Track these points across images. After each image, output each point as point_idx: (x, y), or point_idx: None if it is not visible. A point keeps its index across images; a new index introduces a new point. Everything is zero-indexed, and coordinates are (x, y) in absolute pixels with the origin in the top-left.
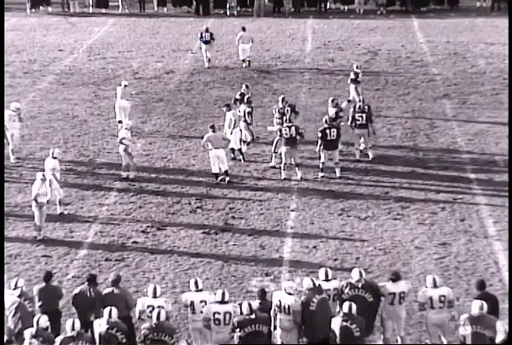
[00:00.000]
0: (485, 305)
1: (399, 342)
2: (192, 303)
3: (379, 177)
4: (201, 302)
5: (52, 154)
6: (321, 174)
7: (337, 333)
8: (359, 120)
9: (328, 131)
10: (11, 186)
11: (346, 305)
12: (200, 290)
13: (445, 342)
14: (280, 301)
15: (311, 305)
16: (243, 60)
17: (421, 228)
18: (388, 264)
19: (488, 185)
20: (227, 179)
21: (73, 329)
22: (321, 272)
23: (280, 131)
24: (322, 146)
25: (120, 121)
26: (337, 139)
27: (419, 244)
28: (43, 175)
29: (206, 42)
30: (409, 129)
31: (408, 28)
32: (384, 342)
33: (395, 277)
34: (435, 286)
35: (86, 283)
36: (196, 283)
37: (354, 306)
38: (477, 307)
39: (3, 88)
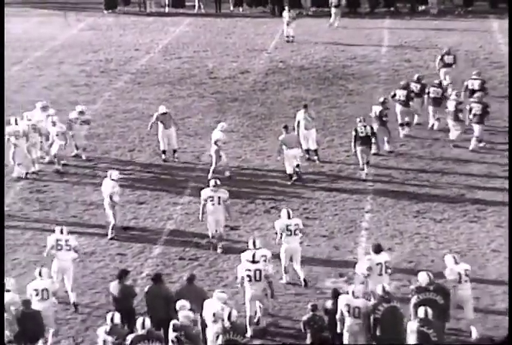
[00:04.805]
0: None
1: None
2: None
3: (455, 178)
4: (256, 271)
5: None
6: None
7: (414, 337)
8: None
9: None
10: (87, 184)
11: (421, 309)
12: (257, 262)
13: (472, 316)
14: (348, 305)
15: (376, 313)
16: None
17: (498, 231)
18: None
19: None
20: (299, 173)
21: (143, 328)
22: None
23: (356, 130)
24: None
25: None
26: (482, 114)
27: (496, 247)
28: (115, 174)
29: (336, 6)
30: (488, 131)
31: (486, 28)
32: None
33: (377, 249)
34: (456, 262)
35: (152, 282)
36: (254, 255)
37: (430, 311)
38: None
39: (3, 89)
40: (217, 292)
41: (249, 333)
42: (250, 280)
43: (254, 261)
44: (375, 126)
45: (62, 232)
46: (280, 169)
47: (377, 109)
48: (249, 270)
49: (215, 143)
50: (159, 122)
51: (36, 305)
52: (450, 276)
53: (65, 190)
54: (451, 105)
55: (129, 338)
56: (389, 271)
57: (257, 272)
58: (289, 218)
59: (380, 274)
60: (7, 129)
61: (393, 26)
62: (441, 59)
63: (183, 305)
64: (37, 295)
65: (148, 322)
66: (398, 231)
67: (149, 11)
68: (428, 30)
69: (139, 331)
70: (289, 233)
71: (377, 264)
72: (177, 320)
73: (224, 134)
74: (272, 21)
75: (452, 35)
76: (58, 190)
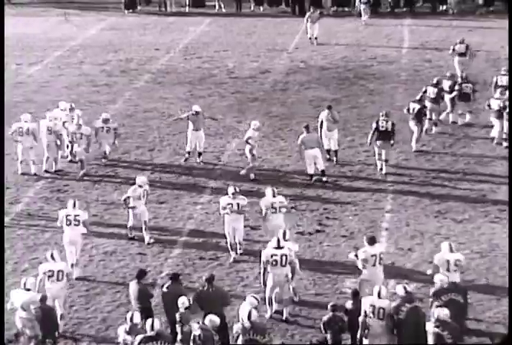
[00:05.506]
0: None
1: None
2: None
3: (476, 178)
4: (282, 256)
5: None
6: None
7: (430, 338)
8: None
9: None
10: (107, 184)
11: (437, 310)
12: (282, 247)
13: None
14: (373, 305)
15: (399, 314)
16: None
17: None
18: (485, 268)
19: None
20: (324, 179)
21: (152, 329)
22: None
23: (377, 122)
24: None
25: None
26: None
27: None
28: (141, 180)
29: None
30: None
31: (507, 28)
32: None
33: (372, 241)
34: (451, 251)
35: (169, 282)
36: (279, 240)
37: (446, 312)
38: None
39: (3, 89)
40: (249, 297)
41: (268, 314)
42: (276, 265)
43: (279, 247)
44: (412, 123)
45: (74, 206)
46: (300, 169)
47: (415, 106)
48: (276, 255)
49: (247, 141)
50: (189, 122)
51: (49, 286)
52: (437, 262)
53: (86, 189)
54: (495, 103)
55: (138, 338)
56: (382, 262)
57: (284, 257)
58: (274, 196)
59: (374, 265)
60: (12, 126)
61: (414, 26)
62: (453, 49)
63: (183, 303)
64: (51, 276)
65: (157, 323)
66: (419, 232)
67: (169, 11)
68: (449, 30)
69: (148, 332)
70: (274, 210)
71: (372, 255)
72: (179, 315)
73: (256, 133)
74: (293, 20)
75: (473, 35)
76: (79, 190)
